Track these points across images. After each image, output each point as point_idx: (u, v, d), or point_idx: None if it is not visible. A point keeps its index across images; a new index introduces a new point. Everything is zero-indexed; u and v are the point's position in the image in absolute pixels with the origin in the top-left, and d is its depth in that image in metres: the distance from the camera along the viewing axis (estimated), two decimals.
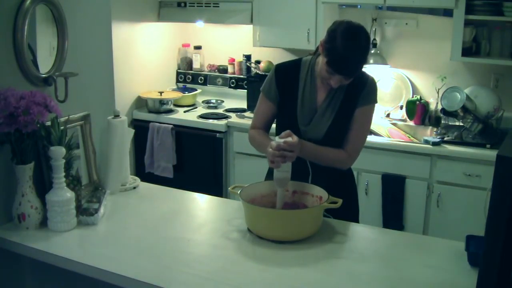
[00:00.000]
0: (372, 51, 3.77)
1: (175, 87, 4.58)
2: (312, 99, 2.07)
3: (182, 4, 4.22)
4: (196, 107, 4.31)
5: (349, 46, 1.87)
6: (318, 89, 2.07)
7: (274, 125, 2.21)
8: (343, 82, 1.96)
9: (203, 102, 4.40)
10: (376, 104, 2.11)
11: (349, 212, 2.10)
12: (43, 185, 1.95)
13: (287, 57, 4.04)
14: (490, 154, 3.07)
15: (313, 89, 2.07)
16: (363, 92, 2.05)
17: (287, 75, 2.11)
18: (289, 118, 2.09)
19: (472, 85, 3.54)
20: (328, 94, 2.06)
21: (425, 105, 3.68)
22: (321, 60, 1.97)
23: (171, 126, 3.96)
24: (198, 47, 4.51)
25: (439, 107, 3.56)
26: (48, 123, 1.89)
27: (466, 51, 3.36)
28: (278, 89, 2.11)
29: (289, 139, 1.88)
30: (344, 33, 1.88)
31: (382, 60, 3.76)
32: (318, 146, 2.03)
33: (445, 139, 3.34)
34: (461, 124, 3.51)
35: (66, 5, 2.08)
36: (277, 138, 1.90)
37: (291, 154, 1.86)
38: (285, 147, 1.86)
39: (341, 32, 1.88)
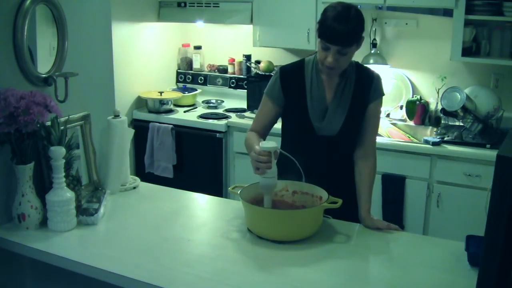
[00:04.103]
0: (372, 51, 3.77)
1: (175, 87, 4.58)
2: (321, 96, 2.08)
3: (182, 4, 4.22)
4: (196, 107, 4.31)
5: (339, 14, 1.90)
6: (326, 85, 2.08)
7: (280, 127, 2.20)
8: (340, 61, 1.95)
9: (203, 102, 4.40)
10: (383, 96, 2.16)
11: (350, 211, 2.10)
12: (43, 185, 1.95)
13: (287, 57, 4.04)
14: (490, 154, 3.07)
15: (320, 86, 2.08)
16: (372, 87, 2.08)
17: (292, 76, 2.11)
18: (301, 117, 2.09)
19: (472, 85, 3.54)
20: (337, 89, 2.07)
21: (425, 105, 3.68)
22: (317, 44, 1.99)
23: (171, 126, 3.96)
24: (198, 47, 4.51)
25: (439, 107, 3.56)
26: (48, 123, 1.89)
27: (466, 51, 3.36)
28: (283, 92, 2.10)
29: (267, 144, 1.85)
30: (335, 6, 1.94)
31: (382, 60, 3.76)
32: (367, 194, 2.07)
33: (445, 139, 3.34)
34: (461, 124, 3.51)
35: (66, 5, 2.08)
36: (261, 143, 1.86)
37: (264, 159, 1.82)
38: (260, 152, 1.82)
39: (331, 6, 1.95)
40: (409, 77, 3.84)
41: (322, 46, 1.95)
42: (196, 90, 4.45)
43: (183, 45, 4.56)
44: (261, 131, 2.14)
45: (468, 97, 3.41)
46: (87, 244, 1.83)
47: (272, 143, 1.86)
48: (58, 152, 1.82)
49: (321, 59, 1.99)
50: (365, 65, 2.18)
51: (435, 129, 3.57)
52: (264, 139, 2.08)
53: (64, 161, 1.85)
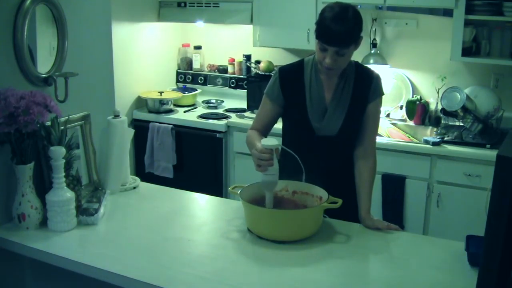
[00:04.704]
0: (372, 51, 3.77)
1: (175, 87, 4.58)
2: (320, 96, 2.08)
3: (182, 4, 4.22)
4: (196, 107, 4.31)
5: (336, 15, 1.89)
6: (325, 85, 2.08)
7: (281, 127, 2.21)
8: (338, 61, 1.95)
9: (203, 102, 4.40)
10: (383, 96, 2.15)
11: (350, 211, 2.10)
12: (43, 185, 1.95)
13: (287, 57, 4.04)
14: (490, 154, 3.07)
15: (320, 87, 2.08)
16: (372, 87, 2.08)
17: (292, 77, 2.11)
18: (300, 118, 2.09)
19: (472, 85, 3.54)
20: (336, 89, 2.07)
21: (425, 105, 3.68)
22: (315, 44, 1.98)
23: (171, 126, 3.96)
24: (198, 47, 4.51)
25: (439, 107, 3.56)
26: (48, 123, 1.89)
27: (466, 51, 3.36)
28: (283, 92, 2.11)
29: (269, 142, 1.86)
30: (332, 6, 1.93)
31: (382, 60, 3.76)
32: (367, 193, 2.07)
33: (445, 139, 3.34)
34: (461, 124, 3.51)
35: (66, 5, 2.08)
36: (263, 141, 1.88)
37: (266, 156, 1.83)
38: (262, 150, 1.84)
39: (329, 7, 1.94)
40: (409, 77, 3.84)
41: (320, 47, 1.95)
42: (196, 90, 4.45)
43: (183, 45, 4.56)
44: (261, 130, 2.15)
45: (468, 97, 3.41)
46: (87, 244, 1.83)
47: (273, 141, 1.89)
48: (58, 152, 1.82)
49: (319, 59, 1.99)
50: (365, 65, 2.18)
51: (435, 129, 3.57)
52: (265, 137, 2.09)
53: (64, 161, 1.85)
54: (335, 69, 2.00)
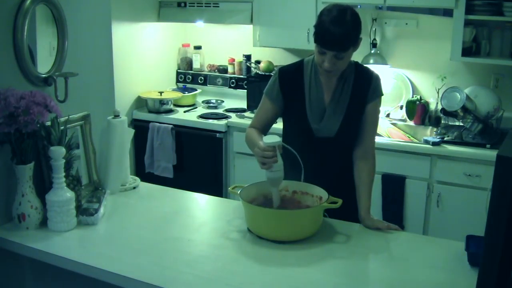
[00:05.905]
0: (372, 51, 3.77)
1: (175, 87, 4.58)
2: (319, 97, 2.08)
3: (182, 4, 4.22)
4: (196, 107, 4.31)
5: (334, 18, 1.88)
6: (324, 87, 2.08)
7: (281, 127, 2.21)
8: (337, 64, 1.95)
9: (203, 102, 4.40)
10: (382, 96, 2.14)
11: (350, 212, 2.10)
12: (43, 185, 1.95)
13: (287, 57, 4.05)
14: (490, 154, 3.07)
15: (319, 88, 2.08)
16: (371, 87, 2.07)
17: (291, 77, 2.11)
18: (299, 119, 2.09)
19: (472, 85, 3.54)
20: (335, 90, 2.07)
21: (425, 105, 3.68)
22: (314, 47, 1.98)
23: (171, 126, 3.96)
24: (198, 47, 4.51)
25: (439, 107, 3.56)
26: (48, 123, 1.89)
27: (466, 51, 3.36)
28: (282, 92, 2.10)
29: (270, 139, 1.87)
30: (330, 9, 1.92)
31: (382, 60, 3.76)
32: (366, 194, 2.06)
33: (445, 139, 3.34)
34: (461, 124, 3.51)
35: (66, 5, 2.08)
36: (264, 139, 1.89)
37: (270, 154, 1.84)
38: (265, 148, 1.85)
39: (327, 9, 1.93)
40: (409, 77, 3.84)
41: (319, 50, 1.95)
42: (196, 90, 4.45)
43: (183, 45, 4.56)
44: (260, 129, 2.15)
45: (468, 97, 3.41)
46: (87, 244, 1.83)
47: (275, 137, 1.89)
48: (58, 152, 1.82)
49: (318, 62, 1.99)
50: (365, 65, 2.18)
51: (435, 129, 3.57)
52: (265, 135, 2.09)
53: (64, 161, 1.85)
54: (334, 71, 2.00)
